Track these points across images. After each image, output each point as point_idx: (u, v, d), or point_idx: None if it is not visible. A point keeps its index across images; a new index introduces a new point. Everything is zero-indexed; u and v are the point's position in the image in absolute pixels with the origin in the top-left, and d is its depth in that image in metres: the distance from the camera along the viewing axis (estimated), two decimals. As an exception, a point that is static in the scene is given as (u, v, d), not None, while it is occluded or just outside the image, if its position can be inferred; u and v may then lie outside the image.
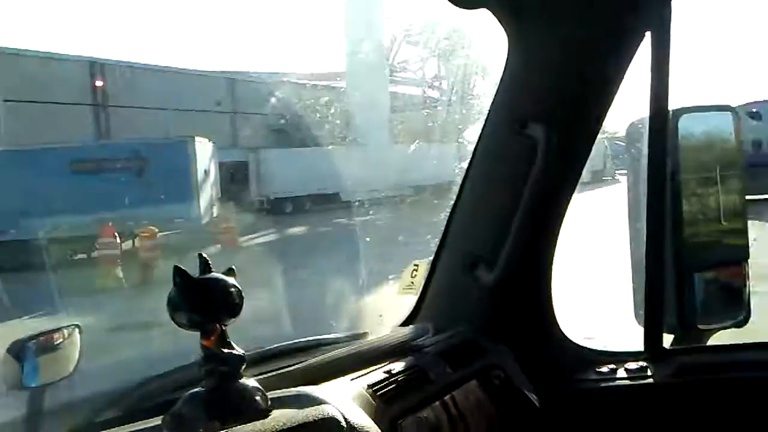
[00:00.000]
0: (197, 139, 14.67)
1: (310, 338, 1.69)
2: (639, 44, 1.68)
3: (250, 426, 0.87)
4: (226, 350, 0.97)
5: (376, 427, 0.89)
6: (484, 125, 1.82)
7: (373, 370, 1.45)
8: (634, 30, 1.66)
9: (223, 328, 0.98)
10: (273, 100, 21.32)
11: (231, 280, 0.99)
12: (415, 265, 2.00)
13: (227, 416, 0.90)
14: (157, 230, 11.96)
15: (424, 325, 1.75)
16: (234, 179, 18.23)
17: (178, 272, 0.96)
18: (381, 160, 16.47)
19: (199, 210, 14.27)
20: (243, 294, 1.00)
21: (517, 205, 1.71)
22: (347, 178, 19.02)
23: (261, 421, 0.89)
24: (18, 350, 1.30)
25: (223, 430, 0.86)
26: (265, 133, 21.49)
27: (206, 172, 15.12)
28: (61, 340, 1.42)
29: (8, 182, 12.24)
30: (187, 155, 14.24)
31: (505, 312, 1.81)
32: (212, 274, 0.99)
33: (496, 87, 1.79)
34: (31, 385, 1.29)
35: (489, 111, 1.81)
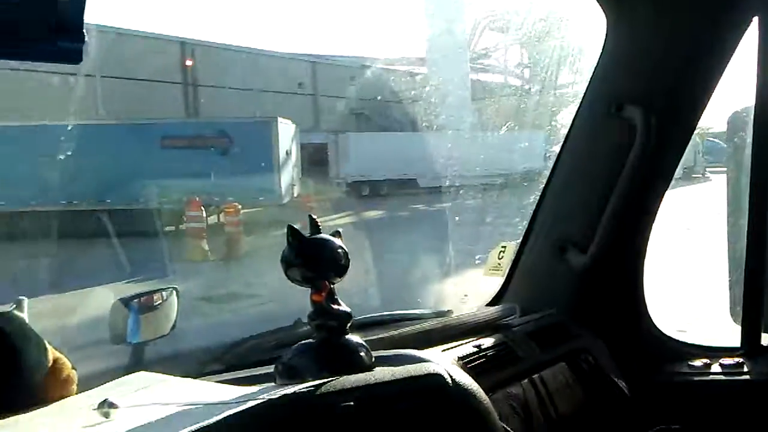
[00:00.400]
0: (280, 120, 14.99)
1: (396, 312, 1.74)
2: (746, 30, 1.62)
3: (360, 375, 0.92)
4: (335, 306, 1.02)
5: (480, 389, 0.92)
6: (579, 107, 1.80)
7: (462, 344, 1.48)
8: (740, 15, 1.60)
9: (332, 285, 1.03)
10: (354, 83, 21.52)
11: (338, 241, 1.04)
12: (503, 246, 2.01)
13: (336, 367, 0.95)
14: (240, 206, 12.32)
15: (511, 305, 1.76)
16: (314, 161, 18.56)
17: (292, 231, 1.02)
18: (460, 147, 16.34)
19: (280, 189, 14.61)
20: (349, 256, 1.04)
21: (611, 189, 1.69)
22: (425, 165, 18.98)
23: (370, 372, 0.94)
24: (122, 308, 1.38)
25: (332, 379, 0.90)
26: (346, 117, 21.74)
27: (288, 153, 15.45)
28: (160, 301, 1.48)
29: (105, 154, 12.90)
30: (270, 135, 14.59)
31: (595, 297, 1.80)
32: (321, 234, 1.04)
33: (593, 68, 1.77)
34: (133, 341, 1.36)
35: (585, 92, 1.79)
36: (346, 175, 19.02)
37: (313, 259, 1.01)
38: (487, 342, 1.51)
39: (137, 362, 1.35)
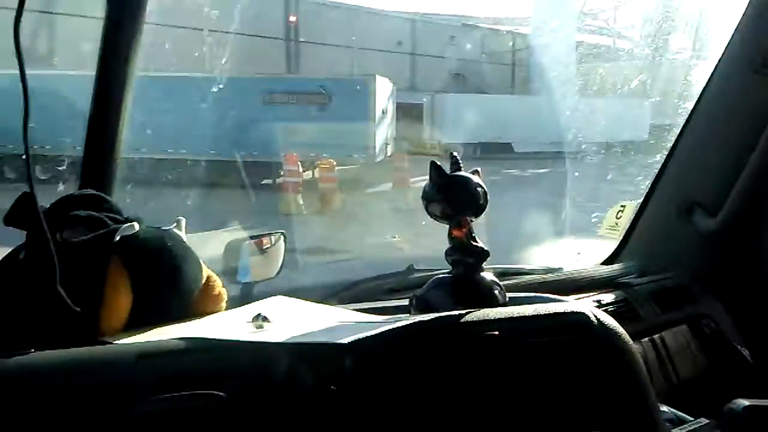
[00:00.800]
0: (378, 78, 15.02)
1: (504, 266, 1.74)
2: None
3: (502, 309, 0.93)
4: (473, 243, 1.04)
5: (625, 332, 0.91)
6: (718, 63, 1.70)
7: (581, 298, 1.47)
8: None
9: (470, 223, 1.04)
10: (453, 43, 21.15)
11: (478, 179, 1.05)
12: (622, 206, 1.96)
13: (471, 302, 0.97)
14: (335, 163, 12.51)
15: (632, 264, 1.72)
16: (409, 121, 18.54)
17: (435, 167, 1.03)
18: (561, 112, 15.82)
19: (374, 147, 14.72)
20: (488, 196, 1.05)
21: (749, 150, 1.60)
22: (521, 129, 18.55)
23: (512, 307, 0.95)
24: (235, 249, 1.43)
25: (475, 310, 0.92)
26: (443, 77, 21.49)
27: (384, 112, 15.48)
28: (269, 245, 1.52)
29: (211, 108, 13.37)
30: (367, 93, 14.65)
31: (720, 263, 1.72)
32: (462, 172, 1.05)
33: (737, 23, 1.67)
34: (243, 280, 1.40)
35: (725, 48, 1.69)
36: (440, 136, 18.90)
37: (453, 196, 1.02)
38: (607, 298, 1.50)
39: (250, 297, 1.42)
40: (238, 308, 1.08)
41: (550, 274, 1.66)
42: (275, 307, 1.07)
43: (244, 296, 1.39)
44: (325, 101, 14.69)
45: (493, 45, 21.73)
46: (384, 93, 15.56)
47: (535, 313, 0.91)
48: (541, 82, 18.12)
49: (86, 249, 0.95)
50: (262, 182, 13.55)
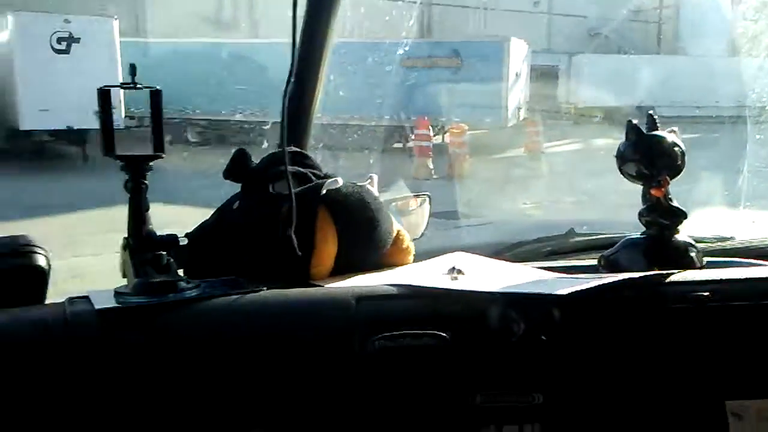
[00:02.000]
0: (513, 39, 14.61)
1: None
2: None
3: (711, 270, 0.92)
4: (671, 204, 1.02)
5: None
6: None
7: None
8: None
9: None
10: (594, 1, 20.00)
11: (674, 138, 1.03)
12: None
13: (665, 264, 0.96)
14: (466, 128, 12.40)
15: None
16: (543, 84, 17.91)
17: (631, 127, 1.02)
18: (712, 74, 14.58)
19: (506, 112, 14.42)
20: (686, 157, 1.03)
21: None
22: (666, 92, 17.32)
23: (717, 269, 0.93)
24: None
25: (680, 271, 0.92)
26: (582, 38, 20.44)
27: (517, 75, 15.07)
28: (414, 206, 1.54)
29: (349, 71, 13.61)
30: (501, 56, 14.32)
31: None
32: (659, 131, 1.03)
33: None
34: None
35: None
36: (577, 100, 18.11)
37: (650, 156, 1.01)
38: None
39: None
40: (427, 261, 1.13)
41: (724, 242, 1.59)
42: (461, 261, 1.12)
43: None
44: (458, 65, 14.53)
45: (638, 2, 20.33)
46: (518, 55, 15.11)
47: (747, 276, 0.89)
48: (690, 41, 16.78)
49: (296, 200, 1.04)
50: (393, 146, 13.70)
